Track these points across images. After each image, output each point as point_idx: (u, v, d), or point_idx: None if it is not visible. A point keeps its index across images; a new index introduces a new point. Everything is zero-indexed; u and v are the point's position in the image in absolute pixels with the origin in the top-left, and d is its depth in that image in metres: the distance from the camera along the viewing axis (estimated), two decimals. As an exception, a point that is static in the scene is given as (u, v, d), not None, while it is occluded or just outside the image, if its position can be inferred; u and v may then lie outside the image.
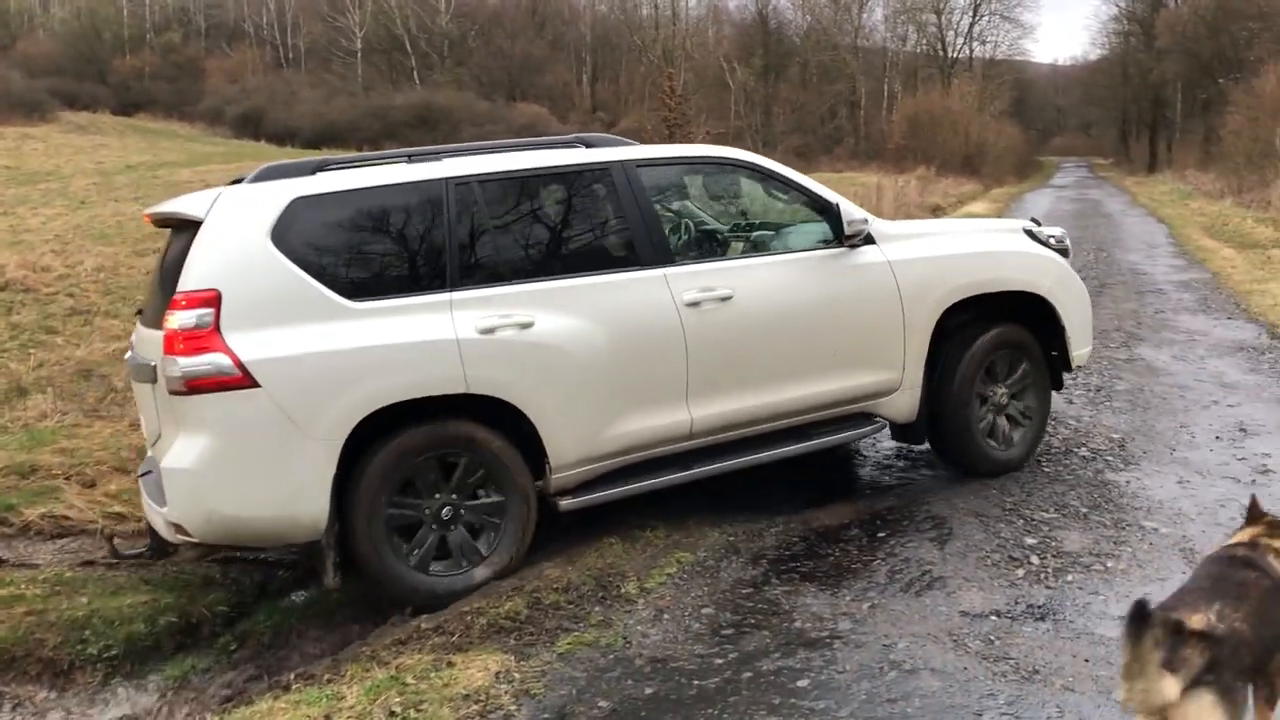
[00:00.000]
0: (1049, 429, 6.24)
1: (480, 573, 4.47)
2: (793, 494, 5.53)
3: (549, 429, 4.53)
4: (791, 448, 5.12)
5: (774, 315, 5.02)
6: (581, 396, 4.57)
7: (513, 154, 4.94)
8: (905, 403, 5.39)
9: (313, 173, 4.54)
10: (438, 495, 4.44)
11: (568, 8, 73.93)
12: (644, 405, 4.74)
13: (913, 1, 65.71)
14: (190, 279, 4.14)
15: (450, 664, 3.77)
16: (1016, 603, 4.07)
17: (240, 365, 4.05)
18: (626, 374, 4.67)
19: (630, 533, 4.96)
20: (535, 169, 4.88)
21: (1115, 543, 4.64)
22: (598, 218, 4.99)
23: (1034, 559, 4.48)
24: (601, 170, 4.95)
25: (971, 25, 66.78)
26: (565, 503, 4.66)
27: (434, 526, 4.45)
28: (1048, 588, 4.20)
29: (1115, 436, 6.31)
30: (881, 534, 4.90)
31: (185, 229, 4.47)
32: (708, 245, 5.62)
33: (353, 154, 4.91)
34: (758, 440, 5.09)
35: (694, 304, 4.82)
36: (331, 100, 56.94)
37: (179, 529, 4.23)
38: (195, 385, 4.04)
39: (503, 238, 4.72)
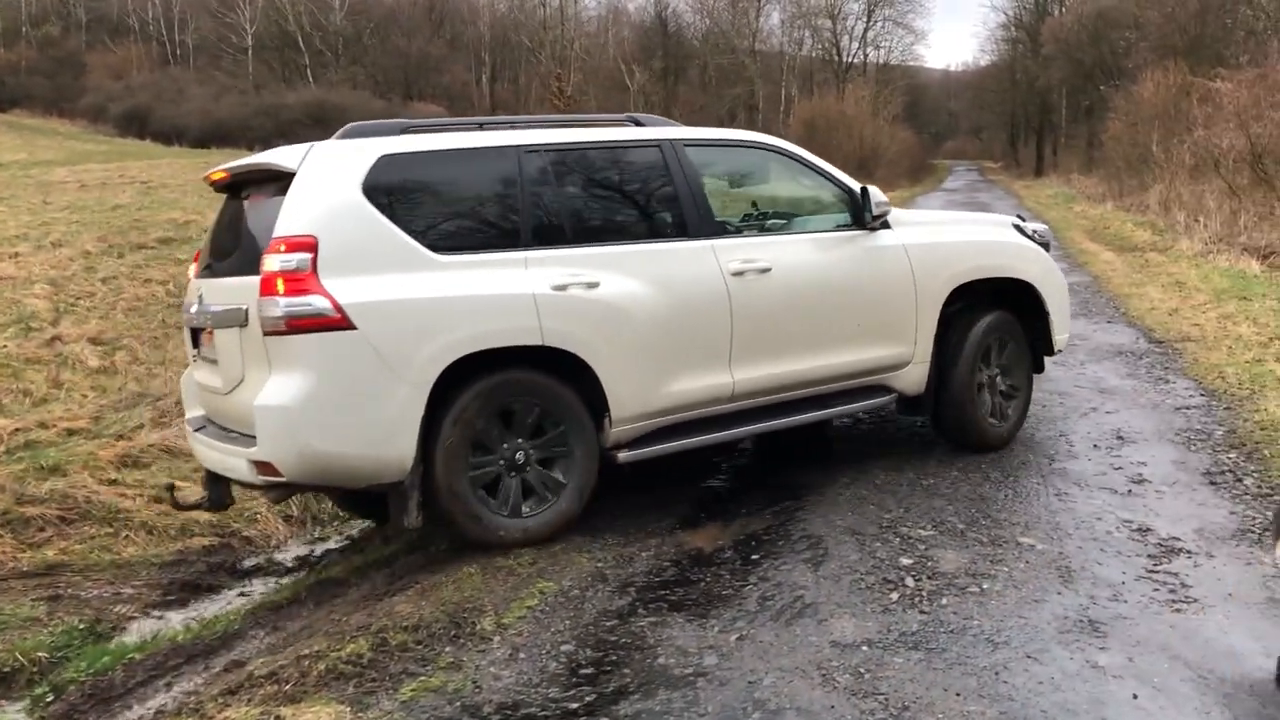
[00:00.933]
0: (929, 444, 6.15)
1: (542, 520, 4.78)
2: (666, 514, 5.30)
3: (611, 383, 4.81)
4: (816, 413, 5.58)
5: (806, 288, 5.45)
6: (640, 354, 4.88)
7: (576, 129, 5.31)
8: (916, 376, 5.87)
9: (400, 133, 4.79)
10: (514, 442, 4.71)
11: (466, 7, 73.04)
12: (692, 366, 5.08)
13: (808, 6, 66.63)
14: (287, 225, 4.33)
15: (278, 718, 3.42)
16: (889, 630, 3.89)
17: (338, 307, 4.25)
18: (679, 336, 5.01)
19: (492, 560, 4.66)
20: (597, 142, 5.29)
21: (992, 561, 4.51)
22: (652, 190, 5.33)
23: (909, 581, 4.32)
24: (654, 146, 5.31)
25: (865, 31, 68.08)
26: (623, 455, 4.96)
27: (511, 472, 4.73)
28: (922, 613, 4.03)
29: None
30: (756, 556, 4.69)
31: (264, 183, 4.77)
32: (744, 221, 5.91)
33: (431, 119, 5.36)
34: (785, 406, 5.49)
35: (738, 274, 5.19)
36: (221, 98, 55.36)
37: (268, 468, 4.34)
38: (295, 325, 4.23)
39: (569, 204, 5.06)
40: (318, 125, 53.74)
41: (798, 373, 5.43)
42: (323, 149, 4.60)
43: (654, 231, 5.22)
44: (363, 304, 4.30)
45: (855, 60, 68.41)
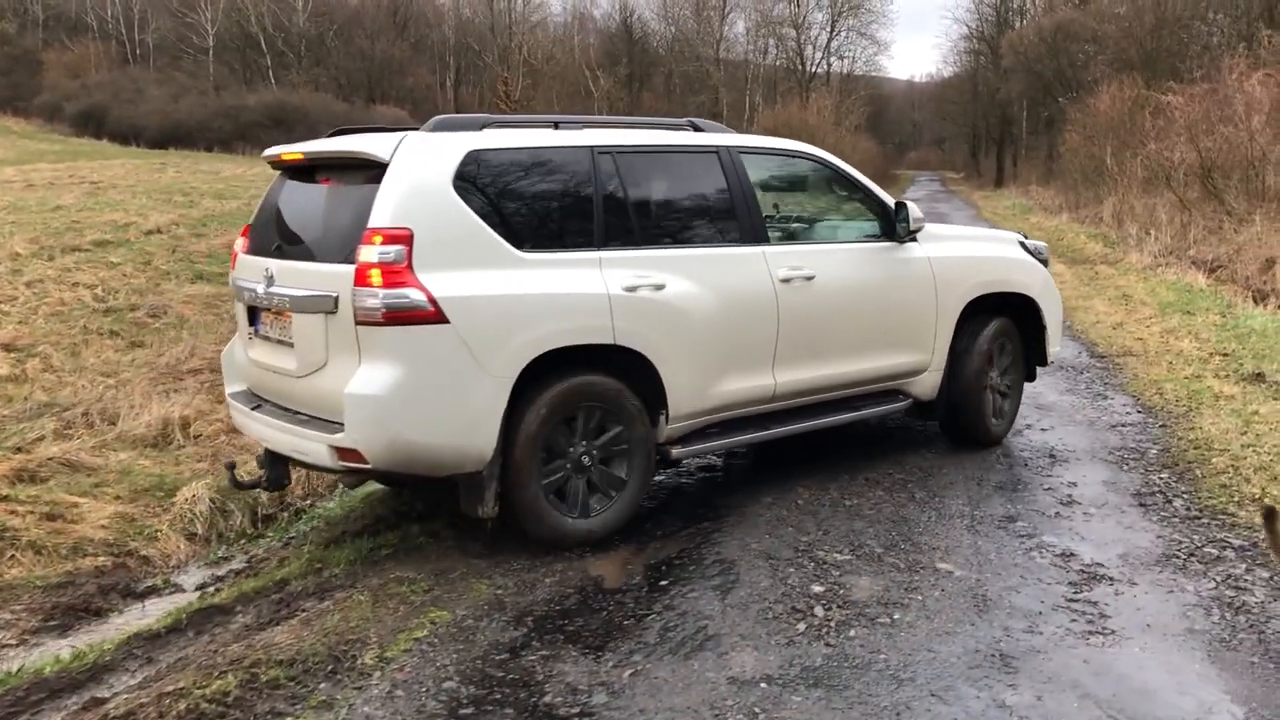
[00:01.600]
0: (858, 461, 5.99)
1: (609, 514, 4.91)
2: (580, 535, 5.08)
3: (670, 382, 4.97)
4: (841, 416, 5.81)
5: (844, 296, 5.68)
6: (697, 355, 5.04)
7: (643, 130, 5.49)
8: (931, 382, 6.17)
9: (480, 128, 4.83)
10: (579, 441, 4.81)
11: (431, 10, 72.59)
12: (741, 367, 5.26)
13: (772, 15, 66.76)
14: (382, 216, 4.35)
15: (125, 766, 3.17)
16: (791, 664, 3.69)
17: (433, 301, 4.31)
18: (730, 338, 5.18)
19: (386, 586, 4.44)
20: (663, 145, 5.41)
21: (906, 589, 4.33)
22: (710, 195, 5.44)
23: (819, 610, 4.13)
24: (714, 152, 5.46)
25: (829, 40, 68.25)
26: (676, 451, 5.15)
27: (576, 472, 4.83)
28: (828, 645, 3.84)
29: (924, 465, 6.08)
30: (665, 582, 4.48)
31: (347, 170, 4.81)
32: (787, 229, 6.11)
33: (508, 115, 5.43)
34: (814, 408, 5.73)
35: (786, 280, 5.40)
36: (180, 99, 54.63)
37: (353, 455, 4.35)
38: (393, 317, 4.27)
39: (637, 205, 5.13)
40: (278, 127, 53.30)
41: (831, 377, 5.69)
42: (415, 141, 4.62)
43: (712, 236, 5.38)
44: (455, 298, 4.36)
45: (819, 70, 68.60)
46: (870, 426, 6.66)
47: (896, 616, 4.07)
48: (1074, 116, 33.64)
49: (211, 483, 6.32)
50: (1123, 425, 7.11)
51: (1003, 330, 6.44)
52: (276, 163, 5.29)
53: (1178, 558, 4.73)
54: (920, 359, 6.06)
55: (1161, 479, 5.90)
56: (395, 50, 66.60)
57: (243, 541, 6.16)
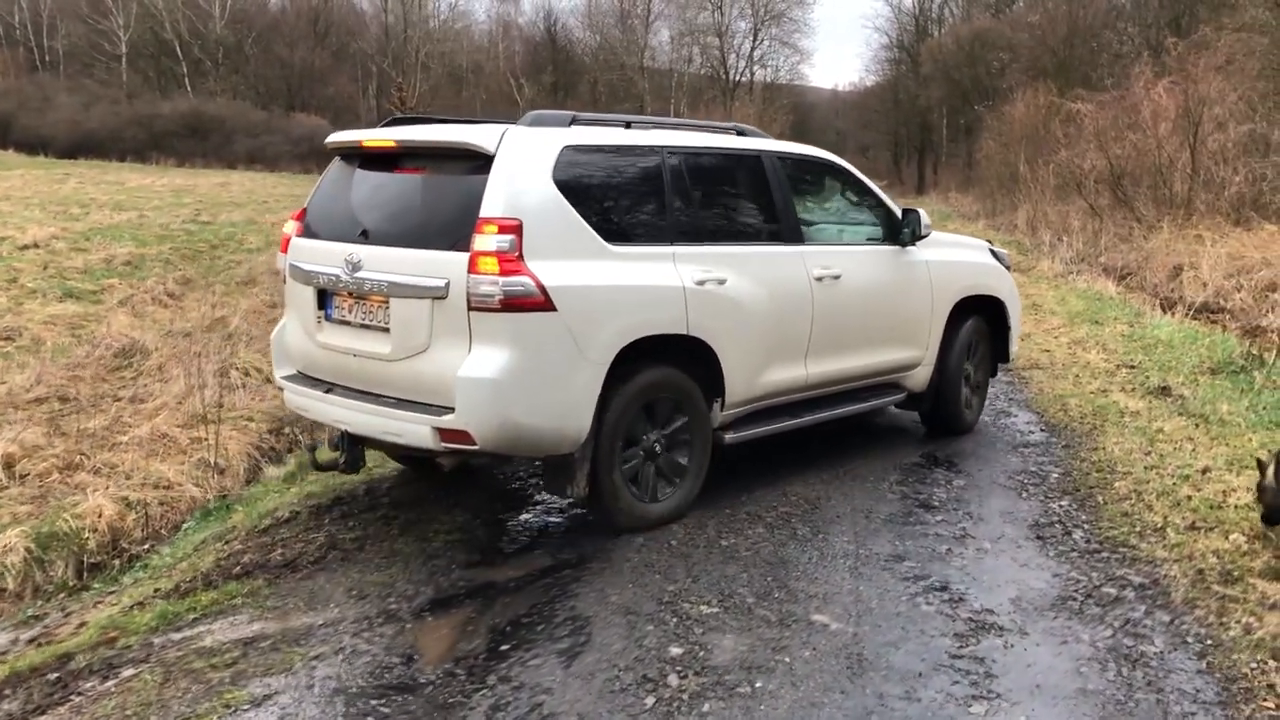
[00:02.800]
0: (740, 493, 5.55)
1: (674, 499, 5.21)
2: (425, 585, 4.54)
3: (729, 372, 5.27)
4: (855, 406, 6.26)
5: (864, 295, 6.08)
6: (750, 346, 5.37)
7: (699, 133, 5.78)
8: (924, 375, 6.66)
9: (569, 124, 5.01)
10: (652, 430, 5.08)
11: (353, 17, 71.31)
12: (782, 358, 5.61)
13: (696, 24, 66.72)
14: (493, 206, 4.51)
15: None
16: (631, 752, 3.20)
17: (542, 289, 4.49)
18: (776, 330, 5.52)
19: (184, 659, 3.85)
20: (720, 148, 5.71)
21: (775, 649, 3.86)
22: (758, 196, 5.78)
23: (672, 679, 3.65)
24: (758, 156, 5.80)
25: (752, 50, 68.35)
26: (729, 437, 5.45)
27: (648, 459, 5.08)
28: (676, 724, 3.36)
29: (811, 496, 5.65)
30: (506, 646, 3.96)
31: (446, 159, 4.94)
32: (813, 230, 6.26)
33: (590, 114, 5.35)
34: (832, 398, 6.11)
35: (819, 279, 5.77)
36: (91, 107, 52.99)
37: (461, 436, 4.47)
38: (509, 303, 4.43)
39: (700, 203, 5.43)
40: (193, 136, 52.11)
41: (851, 369, 6.11)
42: (518, 134, 4.74)
43: (760, 235, 5.73)
44: (561, 287, 4.54)
45: (743, 78, 68.66)
46: (757, 453, 6.21)
47: (759, 684, 3.60)
48: (990, 124, 33.92)
49: (30, 529, 5.67)
50: (1025, 446, 6.76)
51: (977, 329, 6.98)
52: (347, 149, 5.36)
53: (1074, 600, 4.34)
54: (918, 354, 6.55)
55: (1061, 507, 5.54)
56: (315, 58, 65.30)
57: (63, 596, 5.52)
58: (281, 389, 5.50)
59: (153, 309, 11.30)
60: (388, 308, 4.73)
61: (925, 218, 6.44)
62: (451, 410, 4.47)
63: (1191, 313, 11.54)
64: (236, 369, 8.90)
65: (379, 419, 4.75)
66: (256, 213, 23.48)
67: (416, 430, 4.59)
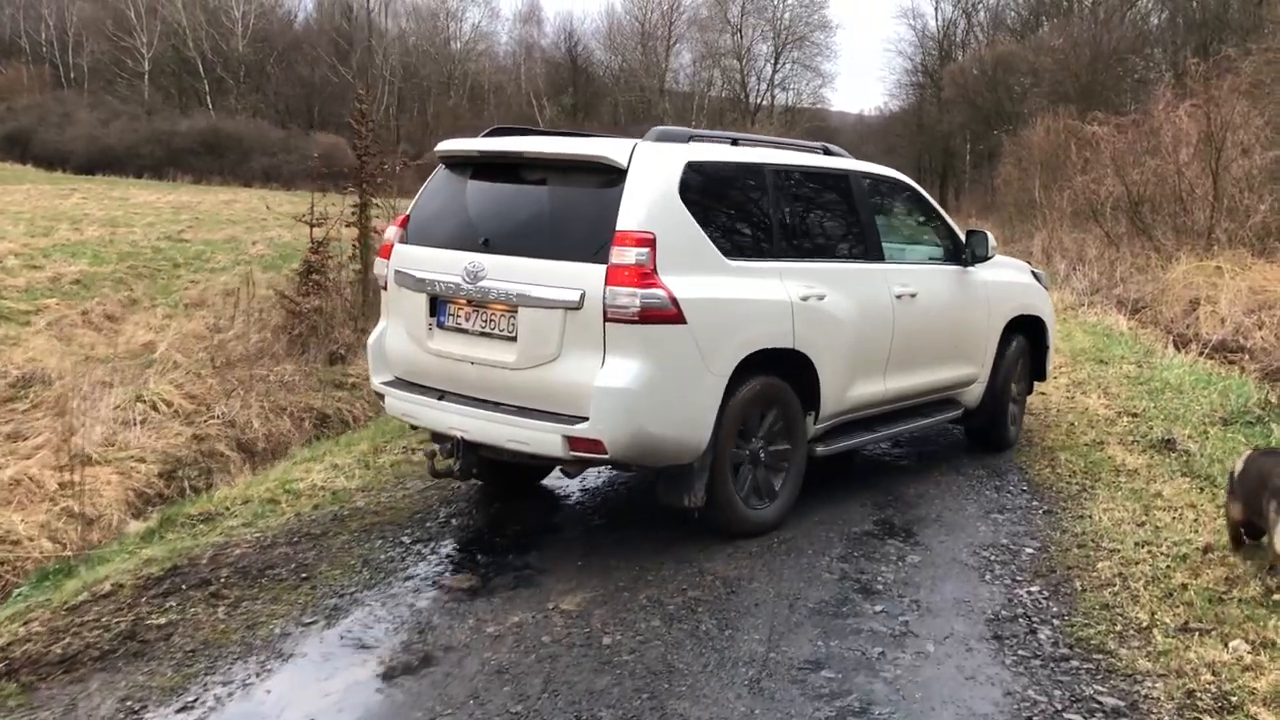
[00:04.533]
0: (649, 572, 4.68)
1: (775, 509, 5.27)
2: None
3: (825, 385, 5.33)
4: (922, 421, 6.35)
5: (935, 312, 6.21)
6: (842, 360, 5.44)
7: (793, 152, 5.82)
8: (978, 392, 6.77)
9: (687, 141, 5.09)
10: (759, 441, 5.14)
11: (376, 37, 71.32)
12: (866, 373, 5.69)
13: (717, 47, 66.17)
14: (631, 220, 4.56)
15: None
16: None
17: (674, 301, 4.56)
18: (863, 345, 5.60)
19: None
20: (815, 168, 5.83)
21: (617, 806, 2.97)
22: (846, 215, 5.93)
23: None
24: (845, 175, 5.94)
25: (774, 73, 67.67)
26: (820, 449, 5.51)
27: (753, 468, 5.14)
28: None
29: (731, 576, 4.74)
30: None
31: (575, 172, 4.94)
32: (889, 249, 6.23)
33: (702, 130, 5.50)
34: (902, 413, 6.19)
35: (899, 296, 5.87)
36: (110, 123, 53.20)
37: (593, 445, 4.48)
38: (645, 315, 4.47)
39: (800, 221, 5.61)
40: (210, 153, 51.99)
41: (922, 384, 6.21)
42: (647, 149, 4.80)
43: (848, 252, 5.82)
44: (691, 300, 4.61)
45: (764, 102, 67.95)
46: (685, 519, 5.33)
47: None
48: (1009, 149, 32.95)
49: None
50: (999, 511, 5.84)
51: (1021, 347, 7.08)
52: (456, 158, 5.35)
53: (1025, 733, 3.43)
54: (975, 370, 6.67)
55: (1030, 594, 4.63)
56: (336, 77, 65.24)
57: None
58: (381, 395, 5.38)
59: (81, 332, 10.58)
60: (514, 316, 4.73)
61: (992, 240, 6.58)
62: (582, 419, 4.48)
63: (1207, 351, 10.57)
64: (144, 401, 8.11)
65: (504, 427, 4.71)
66: (246, 231, 22.93)
67: (545, 439, 4.58)
